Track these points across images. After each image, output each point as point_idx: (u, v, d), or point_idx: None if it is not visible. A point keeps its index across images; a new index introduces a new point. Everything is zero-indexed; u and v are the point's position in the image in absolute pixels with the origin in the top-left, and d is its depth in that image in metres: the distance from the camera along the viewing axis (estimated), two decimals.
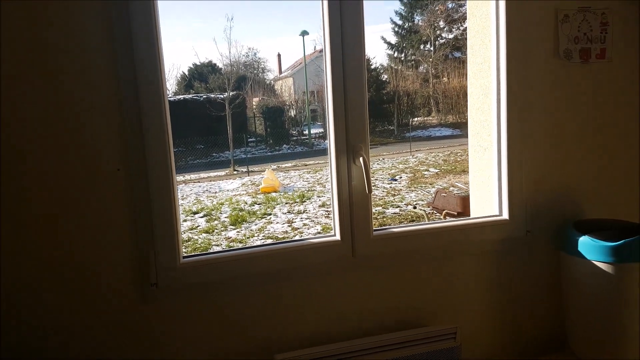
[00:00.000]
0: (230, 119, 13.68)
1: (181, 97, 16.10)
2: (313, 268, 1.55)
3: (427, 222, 2.21)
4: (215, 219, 7.06)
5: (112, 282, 1.39)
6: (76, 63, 1.30)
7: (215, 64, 19.93)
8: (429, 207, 5.31)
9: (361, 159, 1.51)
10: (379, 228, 1.64)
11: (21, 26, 1.25)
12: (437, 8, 18.81)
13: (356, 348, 1.53)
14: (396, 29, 21.00)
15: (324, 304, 1.58)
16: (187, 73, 20.84)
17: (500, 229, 1.73)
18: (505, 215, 1.73)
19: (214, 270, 1.47)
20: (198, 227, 6.68)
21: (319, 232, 6.03)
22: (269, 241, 5.84)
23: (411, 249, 1.63)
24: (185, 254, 1.49)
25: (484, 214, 1.94)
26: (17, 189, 1.29)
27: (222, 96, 14.44)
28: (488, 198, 1.91)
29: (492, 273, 1.75)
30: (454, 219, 2.27)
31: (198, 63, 20.89)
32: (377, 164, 11.08)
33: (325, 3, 1.48)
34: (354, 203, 1.55)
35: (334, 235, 1.58)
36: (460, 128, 16.05)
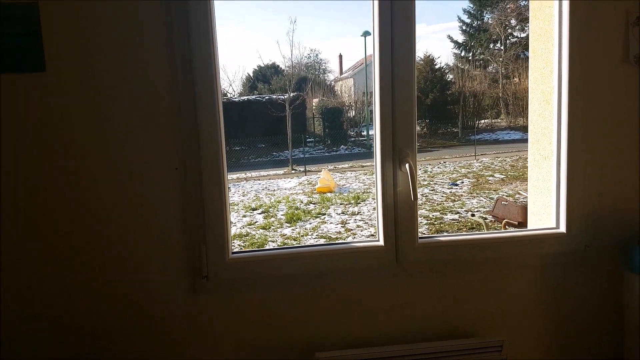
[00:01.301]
0: (290, 119, 13.96)
1: (245, 98, 16.65)
2: (356, 272, 1.55)
3: (478, 232, 2.14)
4: (272, 216, 7.24)
5: (166, 273, 1.48)
6: (138, 65, 1.38)
7: (278, 66, 20.39)
8: (488, 215, 5.11)
9: (407, 165, 1.49)
10: (425, 236, 1.61)
11: (84, 28, 1.36)
12: (508, 6, 17.96)
13: (396, 354, 1.52)
14: (464, 27, 20.34)
15: (366, 308, 1.58)
16: (251, 75, 21.50)
17: (557, 243, 1.64)
18: (563, 229, 1.63)
19: (260, 267, 1.52)
20: (256, 223, 6.89)
21: (372, 235, 6.00)
22: (322, 241, 5.89)
23: (458, 259, 1.59)
24: (236, 250, 1.56)
25: (542, 225, 1.85)
26: (81, 184, 1.41)
27: (283, 97, 14.76)
28: (547, 209, 1.82)
29: (545, 287, 1.66)
30: (508, 230, 2.19)
31: (262, 65, 21.48)
32: (438, 167, 10.79)
33: (376, 3, 1.48)
34: (399, 209, 1.54)
35: (378, 240, 1.58)
36: None
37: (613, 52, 1.57)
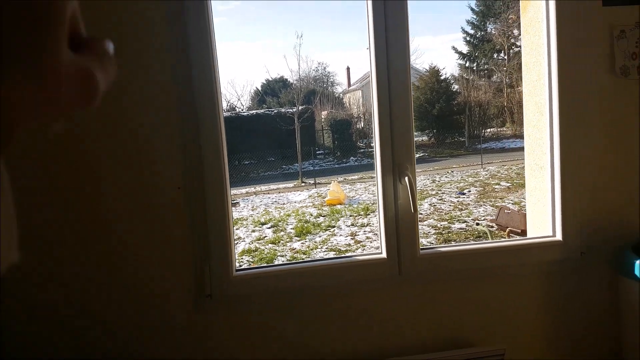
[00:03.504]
0: (299, 132, 14.08)
1: (254, 112, 16.84)
2: (360, 285, 1.61)
3: (478, 242, 2.19)
4: (281, 230, 7.29)
5: (169, 292, 1.53)
6: (141, 86, 1.45)
7: (286, 79, 20.61)
8: (493, 223, 5.12)
9: (407, 178, 1.56)
10: (426, 247, 1.67)
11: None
12: (510, 17, 18.06)
13: None
14: (468, 38, 20.45)
15: (370, 321, 1.63)
16: (260, 89, 21.74)
17: (554, 250, 1.68)
18: (559, 236, 1.68)
19: (264, 283, 1.57)
20: (265, 238, 6.95)
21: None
22: (332, 254, 5.93)
23: (459, 269, 1.64)
24: (240, 267, 1.62)
25: (540, 233, 1.90)
26: (84, 203, 1.47)
27: (291, 110, 14.91)
28: (544, 217, 1.86)
29: (544, 295, 1.70)
30: (508, 239, 2.22)
31: (270, 79, 21.73)
32: (446, 177, 10.80)
33: (371, 20, 1.55)
34: (400, 221, 1.60)
35: (381, 253, 1.64)
36: None
37: (600, 64, 1.63)
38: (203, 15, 1.45)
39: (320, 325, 1.61)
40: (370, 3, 1.54)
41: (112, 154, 1.46)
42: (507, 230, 4.06)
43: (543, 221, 1.89)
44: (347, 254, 1.85)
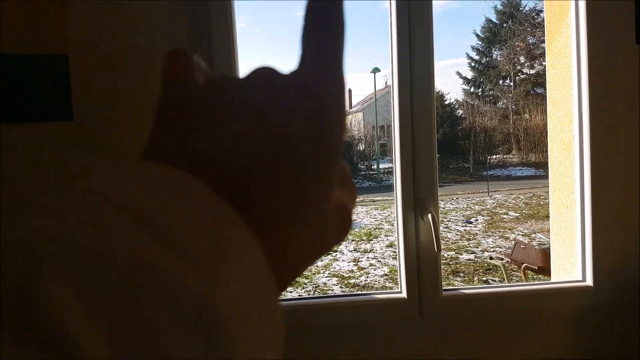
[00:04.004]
0: None
1: None
2: (377, 325, 1.52)
3: (503, 284, 2.09)
4: None
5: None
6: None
7: None
8: (506, 258, 5.00)
9: (430, 215, 1.48)
10: (449, 288, 1.58)
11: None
12: (516, 44, 18.25)
13: None
14: (472, 64, 20.64)
15: None
16: None
17: (583, 296, 1.59)
18: (589, 281, 1.59)
19: None
20: None
21: (386, 274, 5.90)
22: (334, 280, 5.80)
23: (482, 313, 1.55)
24: None
25: (566, 275, 1.81)
26: None
27: None
28: (571, 259, 1.78)
29: (572, 343, 1.60)
30: (531, 282, 2.12)
31: None
32: (451, 204, 10.70)
33: (395, 49, 1.49)
34: (422, 260, 1.51)
35: (400, 292, 1.54)
36: (543, 168, 15.15)
37: (634, 101, 1.56)
38: (227, 34, 1.40)
39: None
40: (395, 30, 1.48)
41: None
42: (523, 266, 3.93)
43: (570, 264, 1.80)
44: (365, 292, 1.76)
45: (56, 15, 1.33)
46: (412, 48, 1.48)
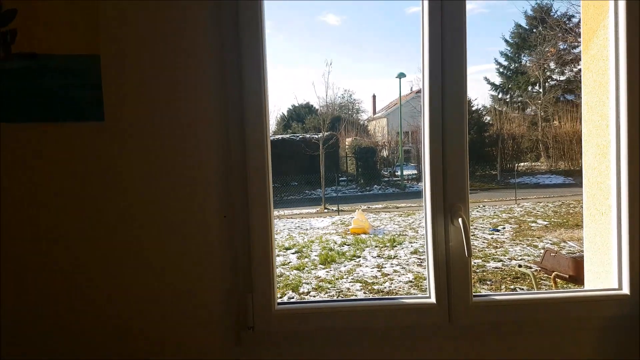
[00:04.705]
0: (323, 158, 14.11)
1: (279, 136, 17.05)
2: (406, 330, 1.50)
3: (535, 291, 2.05)
4: (305, 257, 7.19)
5: (209, 323, 1.47)
6: (191, 118, 1.42)
7: (312, 105, 20.85)
8: (536, 266, 4.87)
9: (460, 220, 1.46)
10: (480, 294, 1.55)
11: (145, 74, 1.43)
12: (547, 50, 17.87)
13: None
14: (501, 70, 20.32)
15: None
16: (286, 114, 22.03)
17: (620, 305, 1.54)
18: (626, 290, 1.54)
19: (306, 320, 1.49)
20: (289, 263, 6.85)
21: (411, 281, 5.83)
22: (358, 285, 5.77)
23: (514, 320, 1.51)
24: (281, 301, 1.54)
25: (600, 283, 1.75)
26: (130, 230, 1.43)
27: (316, 136, 15.02)
28: (606, 266, 1.72)
29: (606, 352, 1.55)
30: (564, 290, 2.06)
31: (296, 105, 22.04)
32: (477, 211, 10.52)
33: (427, 51, 1.48)
34: (452, 265, 1.49)
35: (429, 297, 1.52)
36: (573, 176, 14.75)
37: None
38: (257, 39, 1.41)
39: None
40: (427, 31, 1.47)
41: (153, 178, 1.42)
42: (553, 274, 3.83)
43: (605, 271, 1.75)
44: (393, 296, 1.75)
45: (89, 16, 1.36)
46: (444, 52, 1.47)
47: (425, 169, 1.53)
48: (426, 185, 1.53)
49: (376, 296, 5.15)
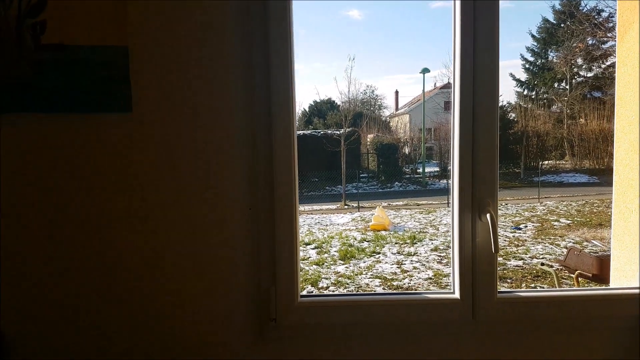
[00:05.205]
0: (345, 154, 14.06)
1: (301, 132, 17.05)
2: (429, 325, 1.49)
3: (561, 288, 2.01)
4: (325, 252, 7.20)
5: (233, 314, 1.48)
6: (218, 108, 1.42)
7: (334, 101, 20.79)
8: (559, 264, 4.79)
9: (488, 215, 1.44)
10: (505, 290, 1.53)
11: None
12: (575, 45, 17.40)
13: None
14: (527, 66, 19.90)
15: None
16: (307, 110, 22.02)
17: None
18: None
19: (328, 313, 1.49)
20: (309, 259, 6.87)
21: (430, 278, 5.79)
22: (377, 281, 5.76)
23: (539, 317, 1.49)
24: (304, 294, 1.54)
25: (627, 282, 1.71)
26: (155, 223, 1.44)
27: (338, 132, 14.98)
28: (633, 265, 1.68)
29: (632, 351, 1.51)
30: (586, 287, 2.02)
31: (318, 100, 21.99)
32: (500, 209, 10.33)
33: (458, 43, 1.46)
34: (477, 261, 1.48)
35: (453, 293, 1.51)
36: (598, 175, 14.39)
37: None
38: (285, 32, 1.41)
39: None
40: (458, 26, 1.45)
41: (178, 170, 1.44)
42: (576, 273, 3.77)
43: (632, 270, 1.71)
44: (417, 292, 1.74)
45: (117, 7, 1.36)
46: (476, 48, 1.44)
47: (454, 164, 1.51)
48: (454, 180, 1.51)
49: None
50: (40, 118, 1.38)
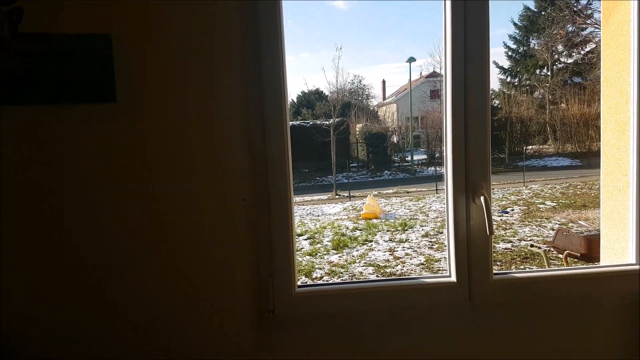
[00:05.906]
0: (334, 144, 14.05)
1: (290, 123, 16.93)
2: (426, 309, 1.52)
3: (556, 268, 2.06)
4: (318, 242, 7.23)
5: (230, 306, 1.47)
6: (208, 98, 1.41)
7: (322, 92, 20.70)
8: (547, 245, 4.89)
9: (482, 198, 1.47)
10: (500, 272, 1.56)
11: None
12: (555, 32, 17.59)
13: None
14: (510, 53, 20.07)
15: (435, 350, 1.53)
16: (295, 100, 21.91)
17: (637, 280, 1.55)
18: None
19: (326, 302, 1.50)
20: (302, 249, 6.90)
21: (422, 264, 5.87)
22: (370, 269, 5.81)
23: (533, 297, 1.53)
24: (300, 284, 1.55)
25: (617, 259, 1.76)
26: (148, 215, 1.42)
27: (327, 123, 14.93)
28: (622, 242, 1.73)
29: (625, 330, 1.56)
30: (580, 266, 2.07)
31: (306, 91, 21.87)
32: None
33: (449, 30, 1.47)
34: (472, 244, 1.51)
35: (449, 276, 1.54)
36: (580, 158, 14.64)
37: None
38: (275, 24, 1.41)
39: (384, 350, 1.52)
40: (449, 11, 1.47)
41: (175, 163, 1.42)
42: (565, 253, 3.86)
43: (622, 247, 1.76)
44: (413, 276, 1.77)
45: None
46: (466, 33, 1.45)
47: (448, 148, 1.53)
48: (448, 164, 1.53)
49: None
50: (19, 110, 1.32)
